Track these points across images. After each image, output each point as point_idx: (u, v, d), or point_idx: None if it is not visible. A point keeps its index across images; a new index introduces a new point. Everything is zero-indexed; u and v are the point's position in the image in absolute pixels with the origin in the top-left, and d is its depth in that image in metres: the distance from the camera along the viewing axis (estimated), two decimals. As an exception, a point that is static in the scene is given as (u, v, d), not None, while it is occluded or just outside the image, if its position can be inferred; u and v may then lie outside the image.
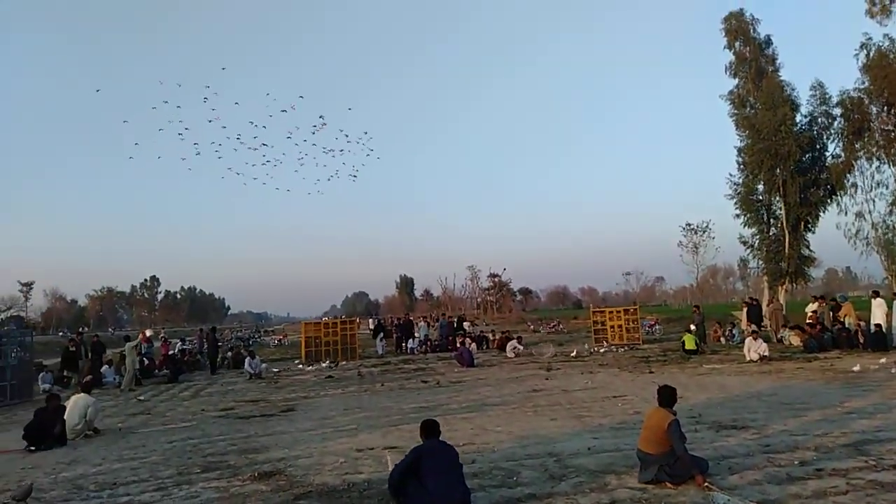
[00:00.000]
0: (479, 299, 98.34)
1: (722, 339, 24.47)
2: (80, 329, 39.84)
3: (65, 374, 19.92)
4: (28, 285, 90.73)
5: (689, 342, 20.25)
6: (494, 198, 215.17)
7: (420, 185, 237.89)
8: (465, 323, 34.31)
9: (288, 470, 7.52)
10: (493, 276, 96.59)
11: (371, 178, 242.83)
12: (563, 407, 11.05)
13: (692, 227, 65.23)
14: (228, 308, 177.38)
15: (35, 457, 9.50)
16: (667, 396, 6.26)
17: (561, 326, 45.15)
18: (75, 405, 11.00)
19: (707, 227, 64.54)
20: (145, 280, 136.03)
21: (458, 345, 23.69)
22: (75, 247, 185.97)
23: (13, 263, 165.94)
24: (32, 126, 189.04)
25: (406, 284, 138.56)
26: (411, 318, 35.01)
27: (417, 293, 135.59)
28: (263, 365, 20.82)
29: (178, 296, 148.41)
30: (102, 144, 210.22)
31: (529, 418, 10.12)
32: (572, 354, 22.15)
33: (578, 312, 68.35)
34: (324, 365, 22.70)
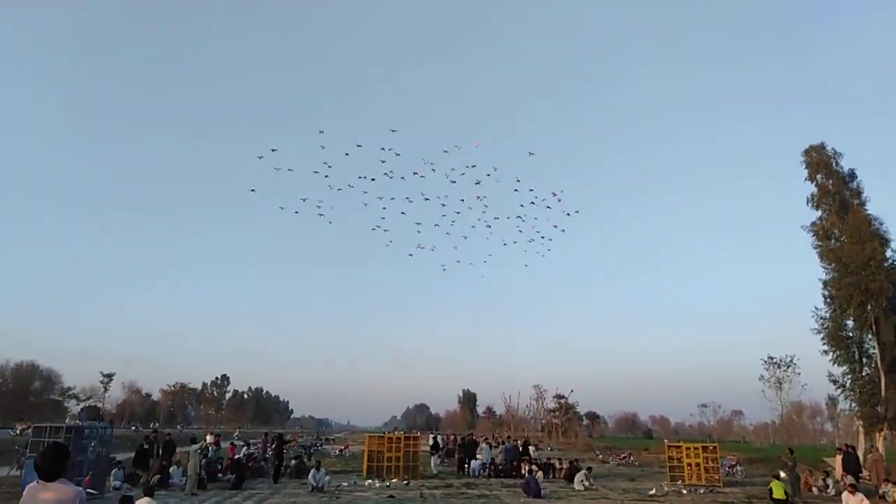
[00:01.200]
0: (543, 421, 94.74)
1: (814, 489, 22.36)
2: (154, 426, 40.81)
3: (136, 471, 20.30)
4: (109, 377, 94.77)
5: (778, 490, 18.60)
6: (564, 316, 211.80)
7: (489, 296, 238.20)
8: (530, 448, 32.98)
9: None
10: (559, 397, 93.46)
11: (440, 287, 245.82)
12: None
13: (775, 360, 61.57)
14: (291, 411, 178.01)
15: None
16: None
17: (632, 458, 42.47)
18: None
19: (792, 361, 60.81)
20: (216, 378, 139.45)
21: (524, 472, 22.70)
22: (158, 341, 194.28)
23: (99, 354, 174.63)
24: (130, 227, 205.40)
25: (469, 400, 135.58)
26: (475, 437, 34.06)
27: (480, 409, 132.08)
28: (327, 478, 20.55)
29: (245, 396, 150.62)
30: (188, 248, 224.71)
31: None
32: (651, 493, 20.74)
33: (649, 443, 64.28)
34: (386, 484, 22.16)
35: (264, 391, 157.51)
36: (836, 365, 28.28)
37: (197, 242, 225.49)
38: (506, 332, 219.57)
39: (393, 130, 34.19)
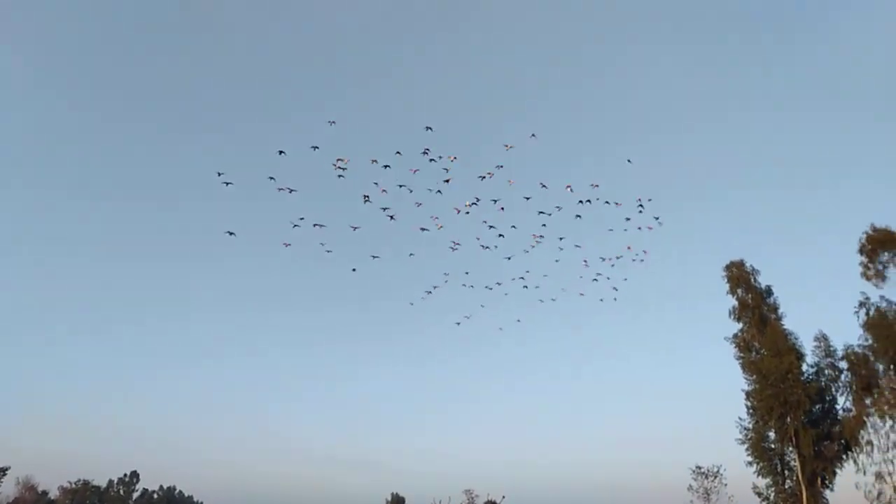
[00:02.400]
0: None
1: None
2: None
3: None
4: (3, 471, 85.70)
5: None
6: (496, 419, 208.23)
7: (421, 397, 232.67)
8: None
9: None
10: (490, 502, 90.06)
11: (367, 388, 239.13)
12: None
13: (702, 470, 61.74)
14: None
15: None
16: None
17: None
18: None
19: (718, 471, 61.11)
20: (124, 475, 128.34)
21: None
22: (61, 430, 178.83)
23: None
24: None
25: (397, 503, 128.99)
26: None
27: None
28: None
29: (156, 496, 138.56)
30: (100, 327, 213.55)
31: None
32: None
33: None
34: None
35: (177, 490, 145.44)
36: (759, 477, 28.71)
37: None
38: (436, 435, 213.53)
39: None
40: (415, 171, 23.84)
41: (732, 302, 31.87)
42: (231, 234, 25.51)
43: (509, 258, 28.47)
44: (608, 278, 28.95)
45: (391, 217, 24.48)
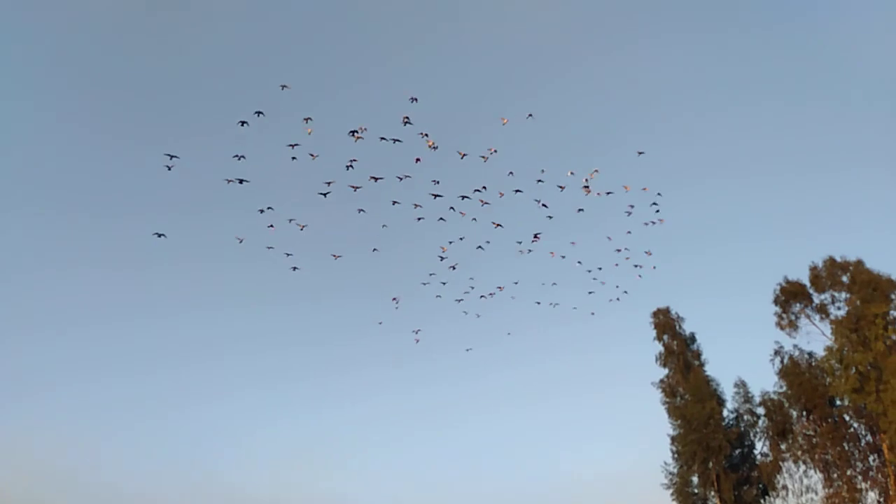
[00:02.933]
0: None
1: None
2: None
3: None
4: None
5: None
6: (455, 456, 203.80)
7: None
8: None
9: None
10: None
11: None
12: None
13: (630, 514, 62.70)
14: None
15: None
16: None
17: None
18: None
19: (645, 520, 62.34)
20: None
21: None
22: None
23: None
24: None
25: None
26: None
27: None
28: None
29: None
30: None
31: None
32: None
33: None
34: None
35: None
36: (685, 522, 29.29)
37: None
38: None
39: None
40: (395, 141, 20.59)
41: (659, 348, 32.92)
42: (160, 235, 22.86)
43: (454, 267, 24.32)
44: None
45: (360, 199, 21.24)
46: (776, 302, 29.82)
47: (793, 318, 28.76)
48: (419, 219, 21.80)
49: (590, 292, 24.00)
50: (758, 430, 29.31)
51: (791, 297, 29.47)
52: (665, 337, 32.99)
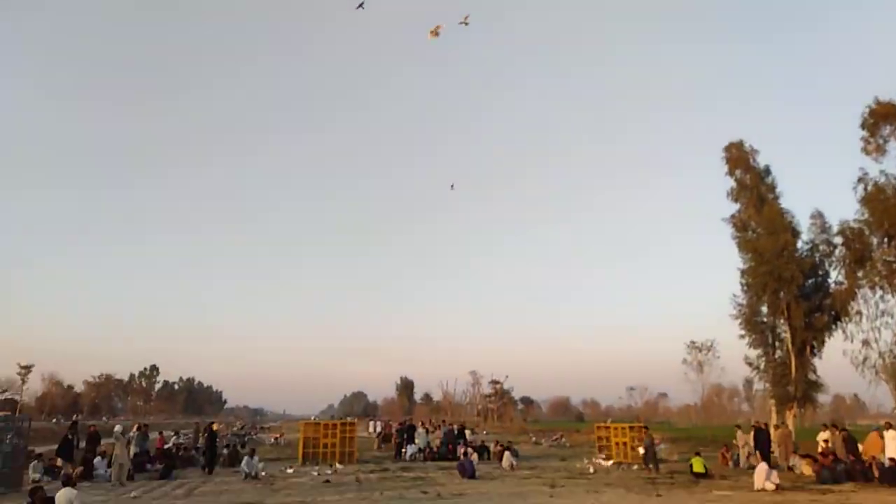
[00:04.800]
0: (479, 406, 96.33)
1: (730, 464, 23.81)
2: (75, 417, 39.07)
3: (58, 463, 19.54)
4: (27, 368, 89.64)
5: (698, 465, 19.77)
6: (500, 304, 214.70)
7: (427, 286, 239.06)
8: (466, 431, 33.59)
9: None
10: (494, 382, 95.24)
11: (375, 276, 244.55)
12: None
13: (696, 344, 64.68)
14: (225, 402, 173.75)
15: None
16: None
17: (563, 440, 43.87)
18: (62, 499, 10.88)
19: (711, 345, 64.09)
20: (145, 368, 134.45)
21: (460, 454, 23.16)
22: (79, 330, 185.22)
23: (15, 344, 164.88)
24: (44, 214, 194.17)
25: (406, 387, 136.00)
26: (413, 423, 34.44)
27: (417, 396, 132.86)
28: (260, 465, 20.36)
29: (176, 386, 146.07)
30: (108, 224, 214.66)
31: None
32: (591, 472, 21.57)
33: (581, 426, 66.40)
34: (327, 470, 22.13)
35: (196, 381, 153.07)
36: (751, 348, 30.16)
37: (119, 219, 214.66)
38: (442, 318, 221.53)
39: None
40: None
41: (731, 183, 31.92)
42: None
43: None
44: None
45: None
46: (864, 125, 27.77)
47: (881, 141, 26.87)
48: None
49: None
50: (833, 259, 28.72)
51: (881, 120, 27.36)
52: (738, 171, 31.83)
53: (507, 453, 23.48)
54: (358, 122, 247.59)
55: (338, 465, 23.09)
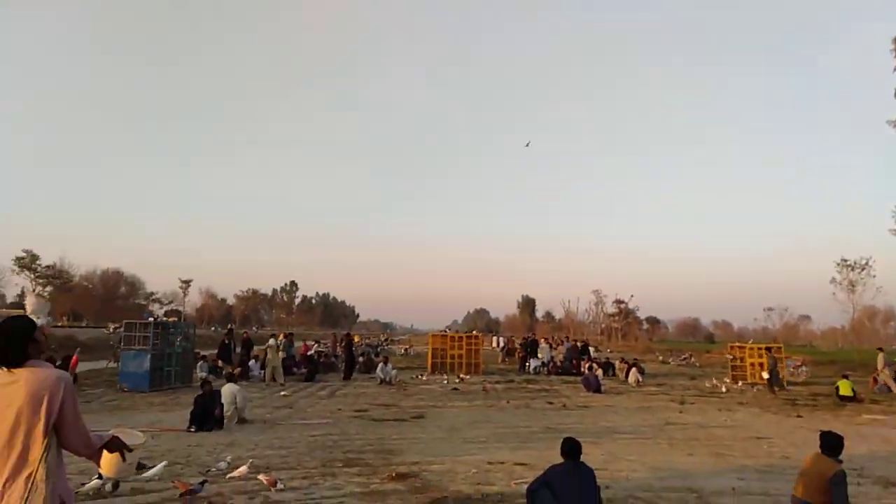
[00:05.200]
0: (603, 325, 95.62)
1: (875, 389, 21.95)
2: (230, 325, 43.52)
3: (219, 363, 21.92)
4: (187, 283, 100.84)
5: (845, 388, 18.41)
6: (623, 221, 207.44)
7: (549, 204, 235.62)
8: (590, 348, 33.53)
9: (423, 474, 7.83)
10: (619, 302, 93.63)
11: (497, 197, 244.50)
12: (701, 443, 10.52)
13: (848, 262, 58.91)
14: (358, 315, 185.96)
15: (197, 436, 10.58)
16: (832, 444, 5.73)
17: (693, 359, 42.62)
18: (226, 393, 12.17)
19: (867, 263, 58.12)
20: (285, 284, 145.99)
21: (585, 369, 23.21)
22: (228, 249, 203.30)
23: (177, 262, 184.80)
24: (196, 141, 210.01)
25: (528, 305, 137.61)
26: (536, 338, 34.86)
27: (539, 314, 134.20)
28: (394, 372, 21.63)
29: (314, 301, 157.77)
30: (251, 156, 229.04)
31: (664, 450, 9.75)
32: (710, 388, 20.95)
33: (711, 346, 64.04)
34: (455, 378, 23.14)
35: (331, 296, 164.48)
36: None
37: (255, 151, 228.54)
38: (564, 236, 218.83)
39: None
40: None
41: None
42: None
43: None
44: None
45: None
46: None
47: None
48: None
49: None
50: None
51: None
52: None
53: (633, 370, 23.21)
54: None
55: (464, 376, 24.00)
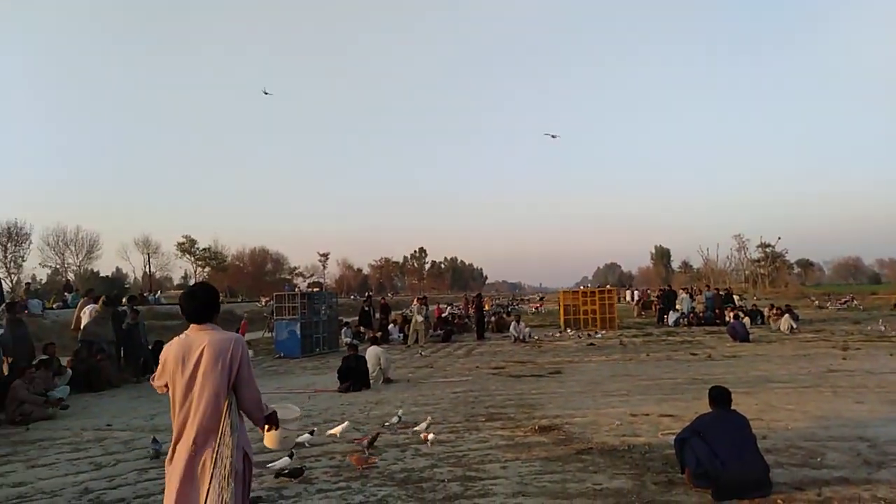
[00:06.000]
0: (747, 272, 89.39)
1: None
2: (368, 293, 45.87)
3: (361, 329, 23.24)
4: (325, 256, 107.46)
5: None
6: (766, 155, 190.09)
7: (677, 144, 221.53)
8: (734, 297, 31.59)
9: (565, 427, 7.85)
10: (764, 246, 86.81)
11: (618, 143, 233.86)
12: (872, 390, 9.61)
13: None
14: (486, 278, 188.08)
15: (348, 396, 11.31)
16: None
17: (855, 302, 38.84)
18: (371, 355, 12.86)
19: None
20: (415, 251, 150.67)
21: (730, 318, 21.94)
22: (360, 221, 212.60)
23: (314, 238, 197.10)
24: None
25: (662, 255, 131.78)
26: (673, 289, 33.43)
27: (675, 265, 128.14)
28: (527, 330, 21.76)
29: (443, 266, 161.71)
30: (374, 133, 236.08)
31: (827, 399, 9.02)
32: (880, 331, 19.05)
33: (877, 287, 57.94)
34: (587, 333, 22.88)
35: (459, 260, 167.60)
36: None
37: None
38: (695, 179, 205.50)
39: None
40: None
41: None
42: None
43: None
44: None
45: None
46: None
47: None
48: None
49: None
50: None
51: None
52: None
53: (785, 316, 21.55)
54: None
55: (600, 331, 23.62)
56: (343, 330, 22.75)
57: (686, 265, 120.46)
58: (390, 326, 23.60)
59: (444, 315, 28.10)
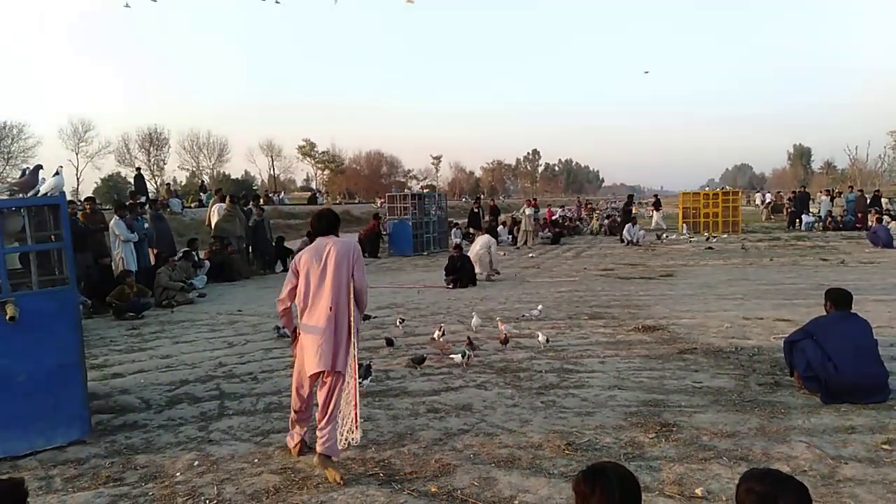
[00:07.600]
0: (903, 173, 79.78)
1: None
2: (478, 196, 46.11)
3: (470, 230, 23.56)
4: (437, 159, 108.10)
5: None
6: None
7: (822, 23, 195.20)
8: (882, 199, 28.46)
9: (671, 327, 7.69)
10: (929, 141, 76.50)
11: (755, 30, 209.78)
12: None
13: None
14: (602, 180, 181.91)
15: (455, 292, 11.68)
16: None
17: None
18: (482, 241, 13.34)
19: None
20: (528, 153, 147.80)
21: (872, 222, 19.92)
22: (473, 124, 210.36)
23: (426, 142, 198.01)
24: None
25: (801, 155, 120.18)
26: (807, 190, 30.71)
27: (815, 166, 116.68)
28: (641, 232, 21.07)
29: (556, 168, 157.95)
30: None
31: (985, 310, 8.12)
32: None
33: None
34: (704, 237, 21.84)
35: (574, 162, 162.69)
36: None
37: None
38: (847, 66, 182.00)
39: None
40: None
41: None
42: None
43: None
44: None
45: None
46: None
47: None
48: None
49: None
50: None
51: None
52: None
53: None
54: None
55: (721, 234, 22.40)
56: (453, 230, 23.17)
57: (829, 165, 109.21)
58: (499, 228, 23.73)
59: (554, 217, 27.77)
